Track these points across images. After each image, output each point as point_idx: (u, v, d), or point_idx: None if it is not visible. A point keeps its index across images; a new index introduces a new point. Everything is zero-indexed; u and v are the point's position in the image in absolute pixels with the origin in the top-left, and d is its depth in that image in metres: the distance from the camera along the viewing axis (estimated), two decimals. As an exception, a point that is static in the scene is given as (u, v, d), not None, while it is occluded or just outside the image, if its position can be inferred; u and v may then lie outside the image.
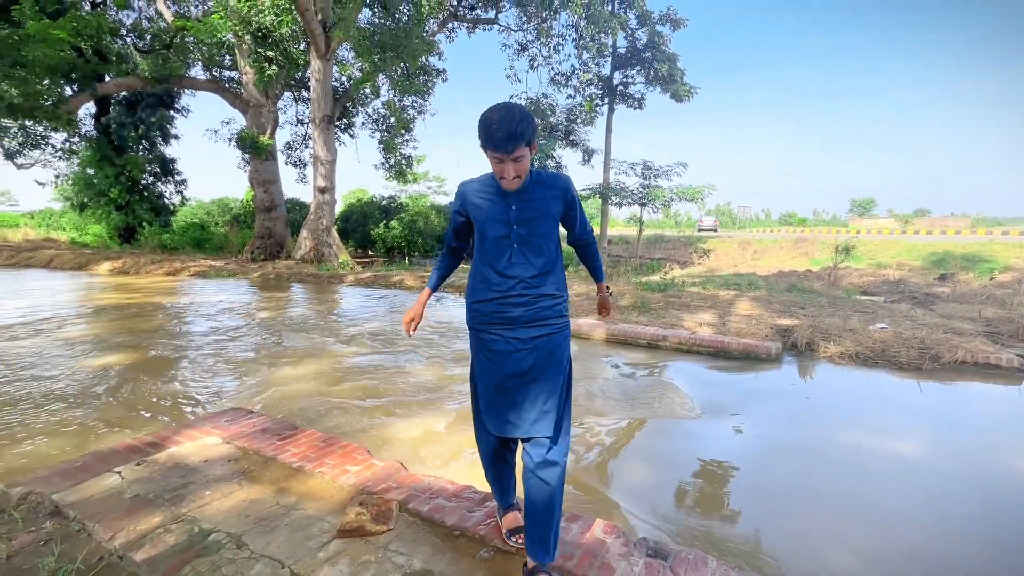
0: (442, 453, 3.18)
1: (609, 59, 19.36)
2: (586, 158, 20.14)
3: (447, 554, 1.88)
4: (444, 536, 2.00)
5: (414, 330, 1.89)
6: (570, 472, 2.95)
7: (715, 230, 37.56)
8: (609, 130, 20.15)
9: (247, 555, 1.86)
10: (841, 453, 3.26)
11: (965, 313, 6.98)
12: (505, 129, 1.49)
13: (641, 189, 17.39)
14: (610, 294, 2.13)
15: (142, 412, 3.81)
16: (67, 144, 19.08)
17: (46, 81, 14.18)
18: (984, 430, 3.67)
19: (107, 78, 17.10)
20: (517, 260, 1.68)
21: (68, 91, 16.32)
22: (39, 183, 29.29)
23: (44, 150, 18.34)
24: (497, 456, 1.90)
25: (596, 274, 2.06)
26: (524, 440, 1.73)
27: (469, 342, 1.84)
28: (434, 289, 1.95)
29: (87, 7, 16.47)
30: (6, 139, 17.09)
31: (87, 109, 18.83)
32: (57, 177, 21.20)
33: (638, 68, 19.05)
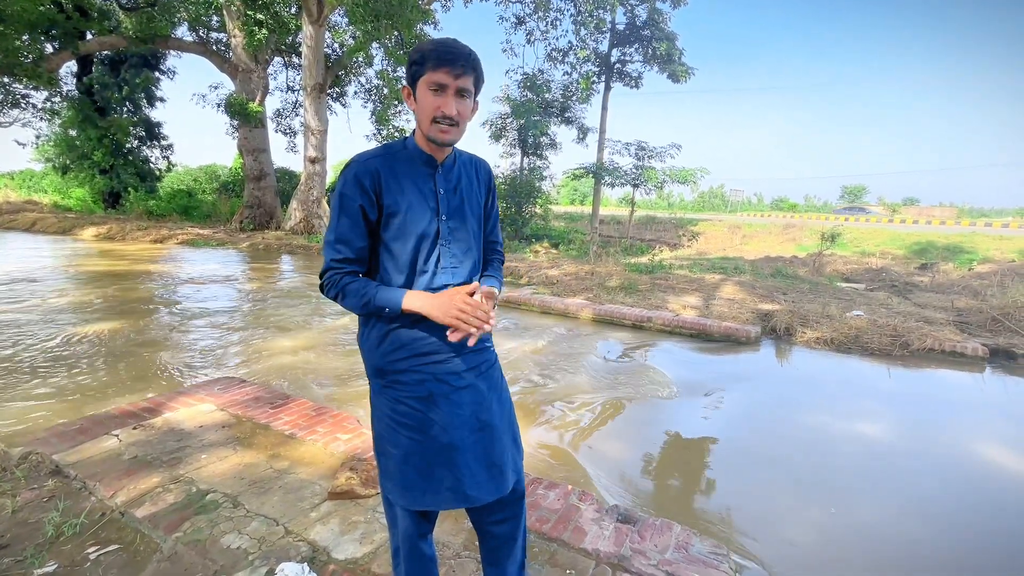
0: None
1: (607, 36, 19.05)
2: (581, 136, 19.96)
3: (432, 516, 2.02)
4: (429, 500, 2.13)
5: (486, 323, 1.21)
6: (551, 444, 3.10)
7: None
8: (605, 108, 19.97)
9: (243, 514, 1.98)
10: (808, 433, 3.45)
11: (939, 303, 7.22)
12: (458, 48, 1.16)
13: (635, 170, 17.39)
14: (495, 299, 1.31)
15: (134, 379, 3.88)
16: (48, 104, 18.51)
17: (25, 37, 13.69)
18: (943, 414, 3.89)
19: (89, 36, 16.52)
20: (447, 264, 1.26)
21: (48, 48, 15.77)
22: (19, 143, 28.37)
23: (24, 109, 17.79)
24: (418, 548, 1.35)
25: (493, 280, 1.39)
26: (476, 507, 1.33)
27: (371, 398, 1.32)
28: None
29: (67, -41, 15.77)
30: (-16, 96, 16.53)
31: (69, 68, 18.23)
32: (38, 137, 20.65)
33: (636, 46, 18.79)
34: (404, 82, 1.25)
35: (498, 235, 1.47)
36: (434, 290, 1.24)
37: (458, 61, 1.15)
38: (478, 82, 1.22)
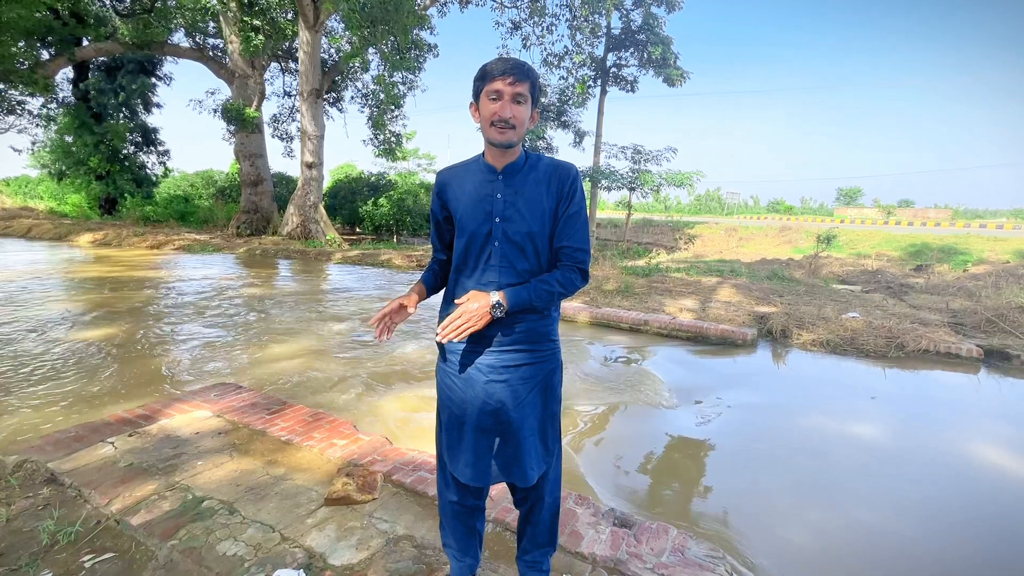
0: (426, 428, 3.31)
1: (603, 40, 19.15)
2: (577, 140, 20.03)
3: (428, 521, 2.02)
4: (426, 505, 2.13)
5: (385, 332, 1.44)
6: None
7: None
8: (601, 112, 20.02)
9: (239, 520, 1.98)
10: (804, 435, 3.46)
11: (934, 304, 7.25)
12: (512, 60, 1.32)
13: (631, 173, 17.44)
14: (500, 310, 1.32)
15: (130, 385, 3.87)
16: (44, 110, 18.51)
17: (21, 44, 13.71)
18: (939, 415, 3.90)
19: (85, 42, 16.54)
20: (496, 263, 1.38)
21: (45, 55, 15.80)
22: (15, 149, 28.46)
23: (20, 115, 17.77)
24: (460, 511, 1.53)
25: (521, 289, 1.35)
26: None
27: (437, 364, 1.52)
28: (426, 286, 1.55)
29: (63, -34, 15.80)
30: (-20, 103, 16.51)
31: (65, 74, 18.24)
32: (34, 144, 20.61)
33: (632, 50, 18.88)
34: (471, 100, 1.40)
35: (573, 240, 1.39)
36: (483, 284, 1.38)
37: (511, 71, 1.30)
38: (534, 90, 1.34)
